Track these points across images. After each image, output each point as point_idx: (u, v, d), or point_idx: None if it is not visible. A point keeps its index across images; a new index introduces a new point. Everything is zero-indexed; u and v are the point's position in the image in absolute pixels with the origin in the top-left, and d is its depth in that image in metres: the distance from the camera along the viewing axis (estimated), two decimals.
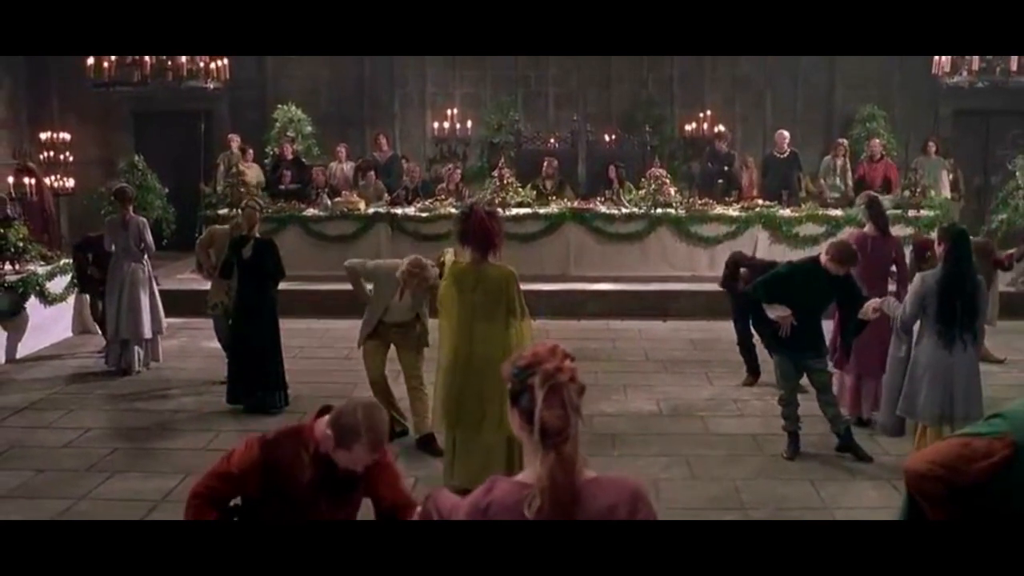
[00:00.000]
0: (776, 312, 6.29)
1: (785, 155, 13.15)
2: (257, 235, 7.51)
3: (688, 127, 14.76)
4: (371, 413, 3.10)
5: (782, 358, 6.44)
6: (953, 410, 5.53)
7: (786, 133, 13.40)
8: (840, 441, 6.43)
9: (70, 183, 13.52)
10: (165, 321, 8.94)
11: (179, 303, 10.13)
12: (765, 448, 6.60)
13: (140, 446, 6.66)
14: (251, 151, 13.64)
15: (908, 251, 8.31)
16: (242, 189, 12.13)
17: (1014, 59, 9.97)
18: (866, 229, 7.26)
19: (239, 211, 7.95)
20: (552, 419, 2.20)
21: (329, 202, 12.12)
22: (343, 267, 7.08)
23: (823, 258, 6.30)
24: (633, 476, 2.57)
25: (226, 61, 10.93)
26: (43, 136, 13.98)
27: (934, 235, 7.56)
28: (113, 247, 8.53)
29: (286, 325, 7.81)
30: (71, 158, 13.93)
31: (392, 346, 6.80)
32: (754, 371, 8.13)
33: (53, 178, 13.00)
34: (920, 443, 5.67)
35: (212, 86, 10.82)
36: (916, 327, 5.76)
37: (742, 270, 8.04)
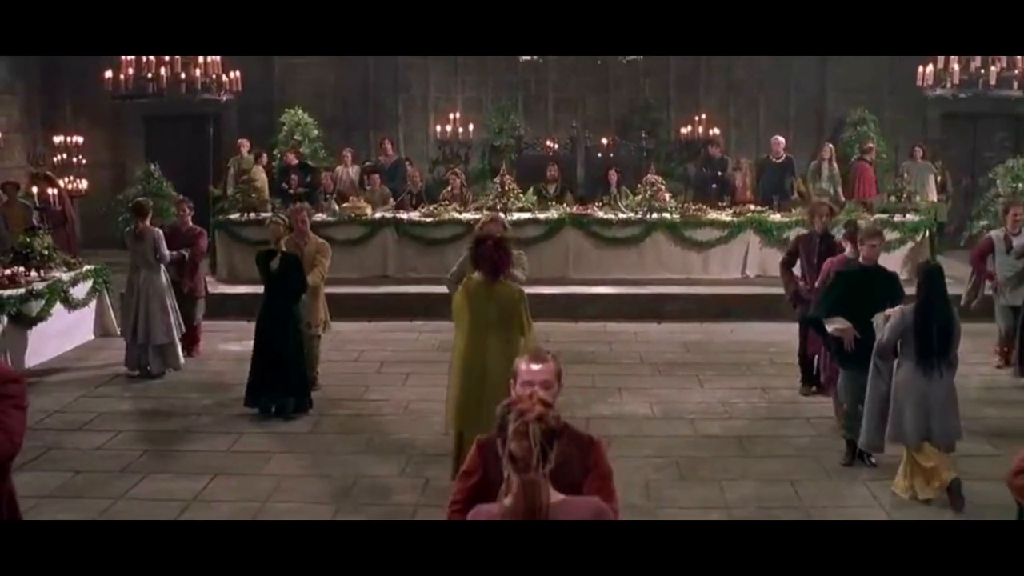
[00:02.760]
0: (834, 326, 6.58)
1: (780, 160, 13.49)
2: (284, 249, 7.81)
3: (684, 129, 15.21)
4: None
5: (855, 373, 6.61)
6: (932, 434, 6.00)
7: (781, 139, 13.72)
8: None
9: (83, 185, 13.98)
10: (180, 328, 9.29)
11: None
12: (749, 450, 7.08)
13: (168, 448, 7.12)
14: (265, 156, 14.08)
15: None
16: (253, 194, 12.59)
17: (993, 71, 10.38)
18: (847, 253, 7.69)
19: (270, 222, 8.22)
20: (517, 449, 2.76)
21: (336, 207, 12.52)
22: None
23: (853, 250, 6.96)
24: (595, 498, 3.05)
25: (238, 73, 11.33)
26: (56, 139, 14.43)
27: None
28: (131, 257, 8.97)
29: None
30: (83, 161, 14.38)
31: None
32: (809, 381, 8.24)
33: (65, 180, 13.41)
34: (908, 462, 6.16)
35: (225, 98, 11.23)
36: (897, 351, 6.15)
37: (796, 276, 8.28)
